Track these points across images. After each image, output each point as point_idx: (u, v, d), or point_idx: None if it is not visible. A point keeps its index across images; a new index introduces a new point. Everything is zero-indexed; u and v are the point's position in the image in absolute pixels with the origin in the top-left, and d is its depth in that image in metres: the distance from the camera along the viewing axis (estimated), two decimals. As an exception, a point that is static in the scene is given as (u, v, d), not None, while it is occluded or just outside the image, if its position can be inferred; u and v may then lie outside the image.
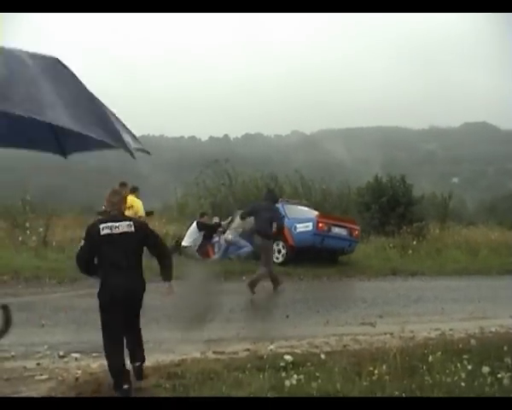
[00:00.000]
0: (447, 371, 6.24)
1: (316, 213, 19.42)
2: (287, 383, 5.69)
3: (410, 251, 20.45)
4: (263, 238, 13.32)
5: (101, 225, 5.91)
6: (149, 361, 7.30)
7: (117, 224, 5.93)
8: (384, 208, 26.78)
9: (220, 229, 18.76)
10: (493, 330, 9.79)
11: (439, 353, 6.94)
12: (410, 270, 17.01)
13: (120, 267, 5.88)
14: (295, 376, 5.86)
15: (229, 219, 19.06)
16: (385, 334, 9.17)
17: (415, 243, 21.87)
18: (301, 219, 18.31)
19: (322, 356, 6.74)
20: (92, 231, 5.96)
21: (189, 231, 18.50)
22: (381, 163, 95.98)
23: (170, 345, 8.52)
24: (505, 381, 5.87)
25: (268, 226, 13.25)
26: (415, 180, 38.03)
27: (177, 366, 7.17)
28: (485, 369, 6.11)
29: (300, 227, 17.57)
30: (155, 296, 10.33)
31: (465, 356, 6.80)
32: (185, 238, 18.38)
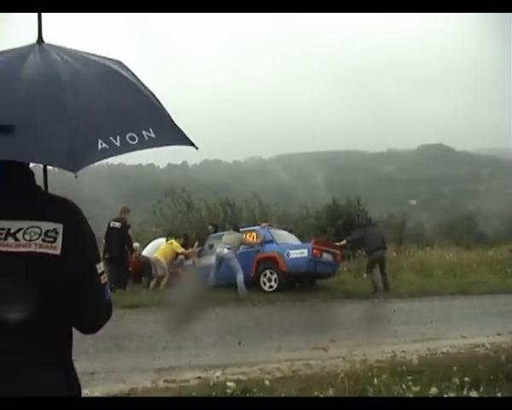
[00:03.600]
0: (395, 393, 6.27)
1: (293, 236, 19.71)
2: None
3: (365, 274, 20.51)
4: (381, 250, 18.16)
5: None
6: (99, 391, 7.25)
7: None
8: (340, 231, 26.68)
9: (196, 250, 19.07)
10: (445, 350, 9.84)
11: (388, 375, 6.98)
12: (364, 293, 17.09)
13: None
14: (242, 403, 5.84)
15: (196, 244, 19.45)
16: (337, 358, 9.13)
17: (370, 266, 21.92)
18: (293, 245, 18.34)
19: (267, 382, 6.73)
20: None
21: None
22: (339, 186, 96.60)
23: (120, 374, 8.44)
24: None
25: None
26: (372, 203, 38.29)
27: (125, 396, 7.11)
28: (433, 390, 6.17)
29: (294, 253, 17.39)
30: (106, 326, 10.11)
31: (412, 377, 6.84)
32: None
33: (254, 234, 18.39)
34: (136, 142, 2.11)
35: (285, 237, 19.24)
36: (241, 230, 18.72)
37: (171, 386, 7.65)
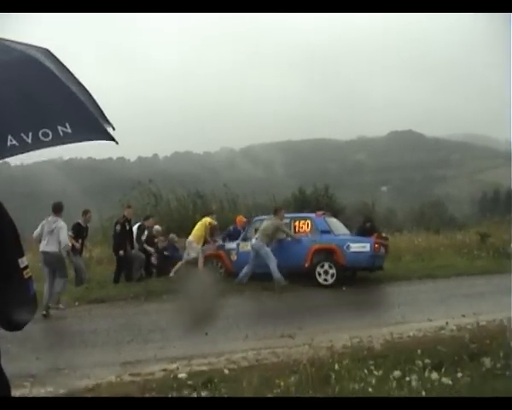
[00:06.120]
0: (357, 378, 6.29)
1: (342, 225, 19.15)
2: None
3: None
4: None
5: None
6: (62, 388, 7.21)
7: None
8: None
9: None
10: (411, 334, 9.88)
11: (351, 360, 7.01)
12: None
13: None
14: (202, 393, 5.84)
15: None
16: (303, 345, 9.13)
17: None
18: (354, 238, 17.48)
19: (226, 371, 6.73)
20: None
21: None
22: (309, 175, 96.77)
23: (85, 370, 8.40)
24: (413, 383, 5.96)
25: None
26: (344, 190, 38.44)
27: (90, 391, 7.08)
28: (397, 373, 6.20)
29: (355, 247, 16.63)
30: (72, 321, 10.08)
31: (376, 362, 6.88)
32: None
33: (309, 221, 17.68)
34: (49, 138, 2.03)
35: (340, 227, 18.70)
36: (294, 216, 18.29)
37: (136, 380, 7.63)
